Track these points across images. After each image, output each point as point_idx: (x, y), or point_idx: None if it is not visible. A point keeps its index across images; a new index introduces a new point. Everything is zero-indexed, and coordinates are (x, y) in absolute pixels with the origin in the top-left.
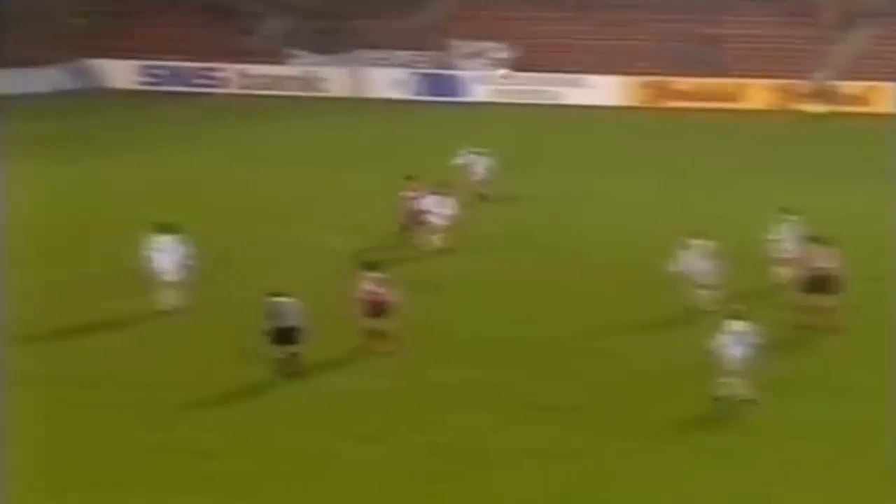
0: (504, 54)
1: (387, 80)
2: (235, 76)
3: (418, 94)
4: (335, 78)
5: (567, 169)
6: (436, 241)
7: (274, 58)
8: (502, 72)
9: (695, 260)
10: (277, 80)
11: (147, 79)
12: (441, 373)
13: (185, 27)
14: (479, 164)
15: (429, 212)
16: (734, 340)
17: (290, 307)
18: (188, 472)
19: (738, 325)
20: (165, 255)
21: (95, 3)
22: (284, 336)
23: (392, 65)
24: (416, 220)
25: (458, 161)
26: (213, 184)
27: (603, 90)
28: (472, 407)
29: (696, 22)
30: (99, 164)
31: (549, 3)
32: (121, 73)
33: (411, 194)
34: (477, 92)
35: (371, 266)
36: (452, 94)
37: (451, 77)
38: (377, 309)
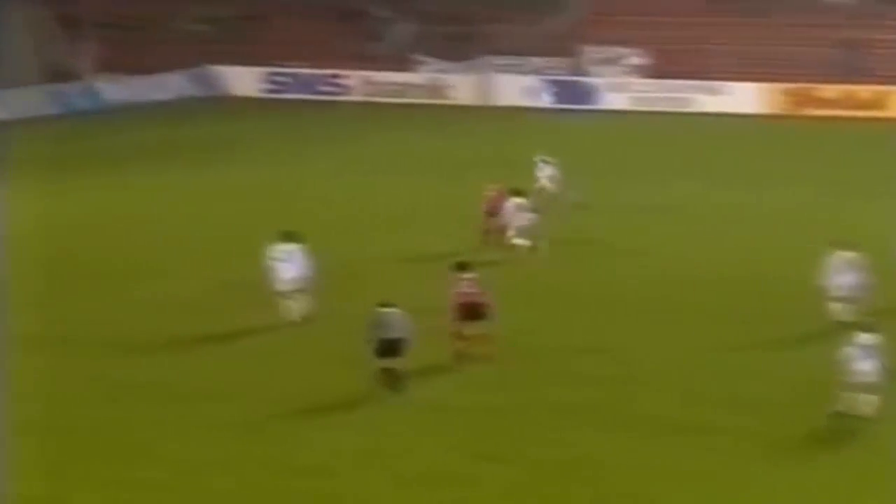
0: (638, 60)
1: (517, 87)
2: (360, 83)
3: (549, 101)
4: (463, 85)
5: (698, 178)
6: (520, 245)
7: (400, 64)
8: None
9: (839, 272)
10: (403, 88)
11: (270, 86)
12: (557, 388)
13: (311, 33)
14: (545, 172)
15: (512, 217)
16: (862, 354)
17: (397, 318)
18: (313, 492)
19: (868, 339)
20: (288, 265)
21: (220, 9)
22: (389, 348)
23: (522, 71)
24: (496, 225)
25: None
26: (334, 193)
27: (741, 97)
28: (597, 425)
29: (840, 27)
30: (220, 173)
31: (685, 7)
32: (244, 80)
33: (492, 197)
34: (610, 99)
35: (462, 267)
36: (585, 102)
37: (584, 84)
38: (471, 312)
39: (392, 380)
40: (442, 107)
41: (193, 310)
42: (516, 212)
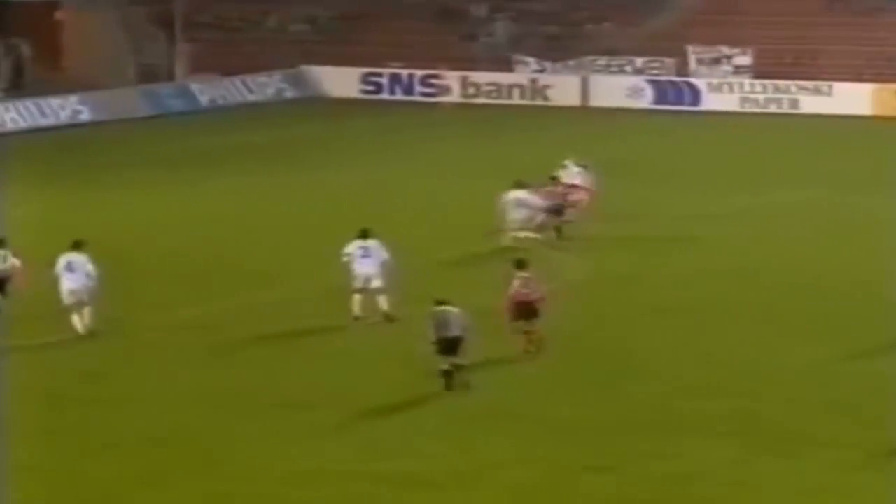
0: (745, 60)
1: (619, 88)
2: (459, 84)
3: (653, 102)
4: (563, 86)
5: (803, 182)
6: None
7: (500, 65)
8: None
9: None
10: (503, 88)
11: (368, 87)
12: (656, 398)
13: (410, 33)
14: (571, 173)
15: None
16: None
17: (455, 316)
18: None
19: None
20: (364, 261)
21: (317, 9)
22: (448, 346)
23: (625, 72)
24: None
25: (560, 172)
26: (429, 194)
27: (849, 98)
28: (703, 436)
29: None
30: (317, 174)
31: (792, 6)
32: (341, 80)
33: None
34: (714, 100)
35: (520, 265)
36: (689, 103)
37: (688, 85)
38: (525, 310)
39: (451, 378)
40: (541, 108)
41: (293, 313)
42: (516, 206)
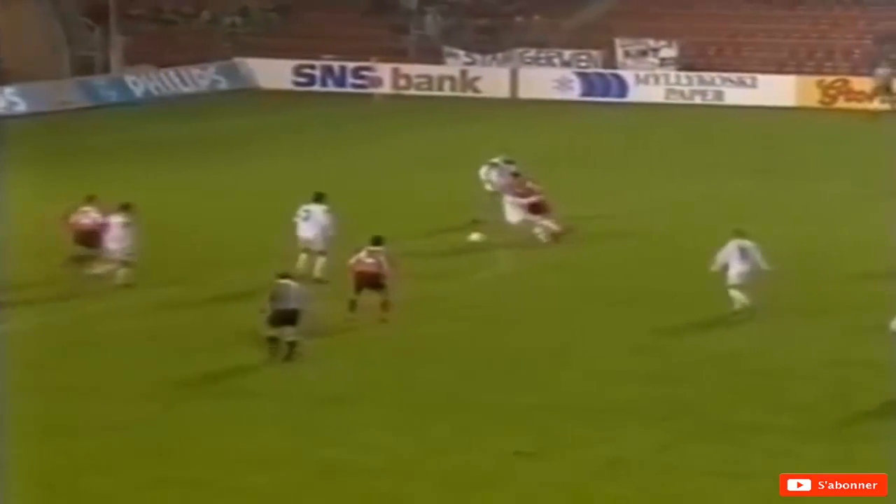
0: (671, 52)
1: (548, 80)
2: (390, 76)
3: (581, 94)
4: (493, 78)
5: (729, 172)
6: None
7: (430, 57)
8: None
9: None
10: (433, 80)
11: (301, 79)
12: (584, 384)
13: (342, 25)
14: (495, 175)
15: None
16: None
17: (294, 290)
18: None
19: None
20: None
21: (250, 1)
22: (284, 318)
23: (553, 64)
24: None
25: (482, 171)
26: (363, 186)
27: (773, 90)
28: (632, 422)
29: (875, 19)
30: (249, 166)
31: (717, 0)
32: (274, 72)
33: None
34: (641, 92)
35: (376, 241)
36: (616, 95)
37: (615, 77)
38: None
39: (283, 349)
40: (471, 99)
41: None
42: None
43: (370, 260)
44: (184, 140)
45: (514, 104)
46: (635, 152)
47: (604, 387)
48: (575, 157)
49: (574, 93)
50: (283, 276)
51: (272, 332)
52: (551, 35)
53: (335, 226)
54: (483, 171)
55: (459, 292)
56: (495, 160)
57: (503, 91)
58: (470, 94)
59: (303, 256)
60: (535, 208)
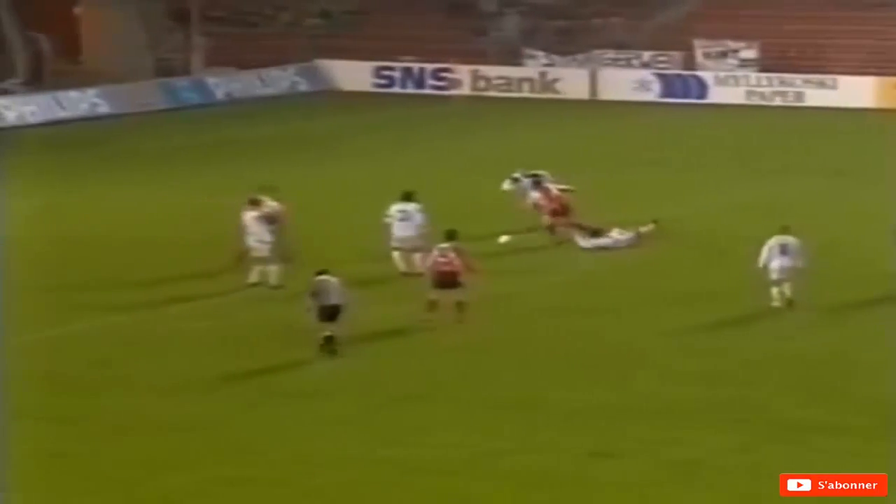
0: (751, 53)
1: (627, 81)
2: (469, 77)
3: (660, 95)
4: (572, 79)
5: (813, 174)
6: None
7: (510, 58)
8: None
9: None
10: (512, 82)
11: (380, 80)
12: (665, 388)
13: (421, 28)
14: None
15: None
16: None
17: (334, 286)
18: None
19: None
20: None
21: (330, 4)
22: (328, 314)
23: (633, 66)
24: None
25: (506, 186)
26: (442, 186)
27: (853, 91)
28: (706, 423)
29: None
30: (329, 167)
31: (798, 1)
32: (354, 74)
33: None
34: (721, 94)
35: (449, 236)
36: (695, 96)
37: (695, 78)
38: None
39: (331, 345)
40: (551, 101)
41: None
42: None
43: (446, 258)
44: (264, 141)
45: (593, 105)
46: (713, 153)
47: (676, 387)
48: (653, 159)
49: (653, 94)
50: (322, 273)
51: (324, 330)
52: (631, 36)
53: (429, 224)
54: (506, 185)
55: (534, 292)
56: (516, 175)
57: (582, 92)
58: (549, 95)
59: (396, 255)
60: (557, 212)
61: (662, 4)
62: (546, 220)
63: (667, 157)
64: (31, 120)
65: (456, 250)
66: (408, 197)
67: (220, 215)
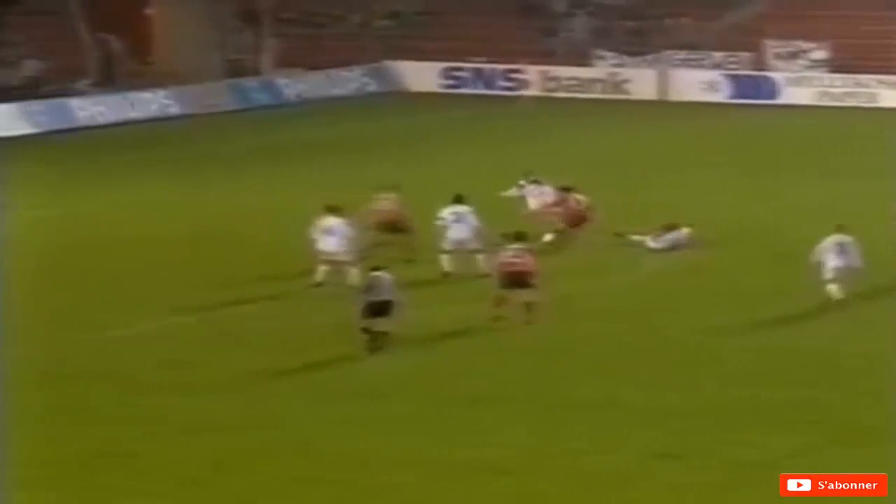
0: (821, 54)
1: (697, 81)
2: (539, 78)
3: (730, 96)
4: (642, 80)
5: (879, 175)
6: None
7: (578, 59)
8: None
9: None
10: (582, 83)
11: (449, 81)
12: (731, 389)
13: (491, 28)
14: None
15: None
16: None
17: (387, 282)
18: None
19: None
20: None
21: (399, 4)
22: (378, 309)
23: (703, 66)
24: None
25: (512, 192)
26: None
27: None
28: (772, 425)
29: None
30: (398, 168)
31: (869, 1)
32: (423, 75)
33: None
34: (792, 94)
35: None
36: (766, 97)
37: (765, 79)
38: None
39: (375, 340)
40: (620, 101)
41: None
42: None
43: (520, 258)
44: (333, 142)
45: (662, 106)
46: (783, 154)
47: (742, 388)
48: (721, 160)
49: (723, 95)
50: (376, 269)
51: (366, 323)
52: (700, 37)
53: (481, 225)
54: (513, 192)
55: (600, 292)
56: (522, 182)
57: (652, 93)
58: (618, 96)
59: (445, 258)
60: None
61: (733, 5)
62: (559, 224)
63: (735, 159)
64: (102, 120)
65: (529, 251)
66: (459, 200)
67: (290, 215)
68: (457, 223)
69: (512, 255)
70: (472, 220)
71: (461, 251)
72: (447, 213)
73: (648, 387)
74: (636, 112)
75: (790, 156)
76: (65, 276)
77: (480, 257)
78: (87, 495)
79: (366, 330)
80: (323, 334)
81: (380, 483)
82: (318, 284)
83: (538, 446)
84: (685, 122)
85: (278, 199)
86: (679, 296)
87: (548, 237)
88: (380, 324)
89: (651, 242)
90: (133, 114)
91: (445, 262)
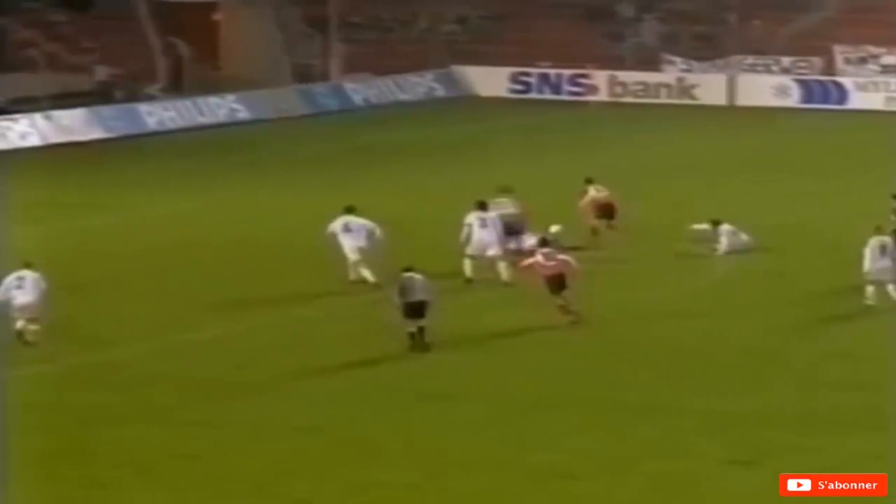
0: (891, 59)
1: (766, 86)
2: (606, 83)
3: (799, 101)
4: (710, 85)
5: None
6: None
7: (647, 64)
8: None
9: None
10: (650, 88)
11: (517, 86)
12: (800, 393)
13: (558, 33)
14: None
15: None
16: None
17: (420, 282)
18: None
19: None
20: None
21: (467, 10)
22: (414, 310)
23: (772, 71)
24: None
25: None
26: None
27: None
28: (846, 432)
29: None
30: (466, 173)
31: None
32: (491, 80)
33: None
34: (862, 100)
35: (542, 243)
36: (835, 102)
37: (835, 84)
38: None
39: (417, 340)
40: (688, 106)
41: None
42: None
43: (556, 261)
44: (401, 147)
45: (731, 111)
46: (851, 159)
47: (811, 392)
48: (789, 164)
49: (792, 100)
50: (408, 270)
51: (410, 326)
52: (769, 42)
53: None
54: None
55: (667, 297)
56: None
57: (720, 98)
58: (687, 101)
59: (468, 263)
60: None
61: (801, 10)
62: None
63: (804, 164)
64: (171, 126)
65: (561, 252)
66: (482, 205)
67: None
68: (482, 228)
69: (545, 259)
70: (498, 225)
71: (485, 257)
72: (473, 217)
73: (714, 391)
74: (705, 117)
75: (859, 161)
76: (135, 279)
77: (503, 264)
78: (157, 497)
79: (412, 334)
80: (391, 337)
81: (445, 487)
82: (354, 282)
83: (605, 451)
84: (754, 128)
85: (347, 203)
86: (743, 299)
87: (554, 228)
88: (418, 324)
89: (715, 245)
90: (202, 119)
91: (468, 268)
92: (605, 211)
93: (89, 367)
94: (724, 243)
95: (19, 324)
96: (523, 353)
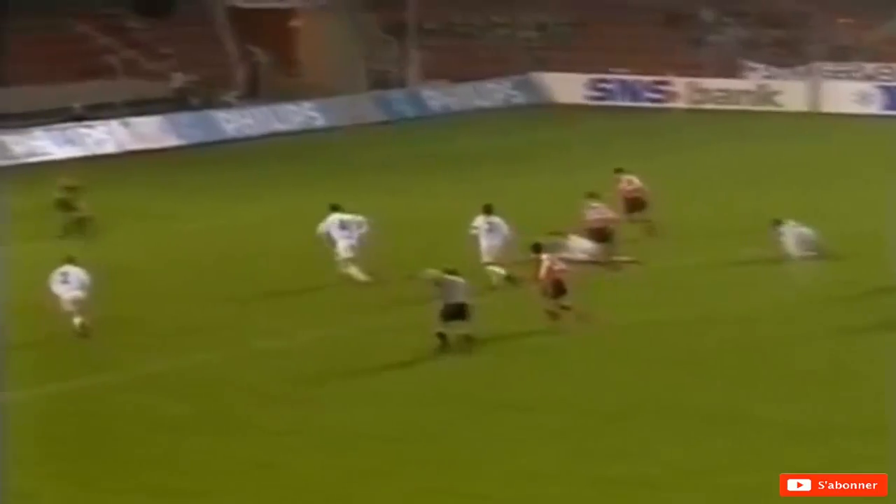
0: None
1: (849, 93)
2: (686, 90)
3: (882, 108)
4: (792, 92)
5: None
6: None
7: (728, 70)
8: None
9: None
10: (731, 94)
11: (595, 93)
12: (877, 402)
13: (637, 39)
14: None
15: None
16: None
17: (461, 285)
18: None
19: None
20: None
21: (546, 16)
22: (455, 312)
23: (855, 77)
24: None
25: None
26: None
27: None
28: None
29: None
30: (545, 179)
31: None
32: (569, 86)
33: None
34: None
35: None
36: None
37: None
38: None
39: (454, 345)
40: (770, 113)
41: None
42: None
43: (561, 266)
44: (480, 153)
45: (813, 118)
46: None
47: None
48: (871, 172)
49: (875, 106)
50: (450, 272)
51: (442, 327)
52: (852, 48)
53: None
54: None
55: (737, 307)
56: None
57: (802, 104)
58: (768, 107)
59: (491, 271)
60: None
61: (886, 16)
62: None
63: (886, 171)
64: (249, 132)
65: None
66: (489, 210)
67: (438, 226)
68: (490, 233)
69: (551, 263)
70: (505, 229)
71: (496, 262)
72: (481, 222)
73: (788, 400)
74: (787, 124)
75: None
76: (212, 287)
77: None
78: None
79: (441, 334)
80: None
81: (519, 497)
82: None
83: (680, 462)
84: (836, 134)
85: (426, 209)
86: (816, 306)
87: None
88: (457, 327)
89: (783, 245)
90: (279, 126)
91: (494, 277)
92: (634, 204)
93: (166, 375)
94: (790, 243)
95: (76, 320)
96: (589, 363)
